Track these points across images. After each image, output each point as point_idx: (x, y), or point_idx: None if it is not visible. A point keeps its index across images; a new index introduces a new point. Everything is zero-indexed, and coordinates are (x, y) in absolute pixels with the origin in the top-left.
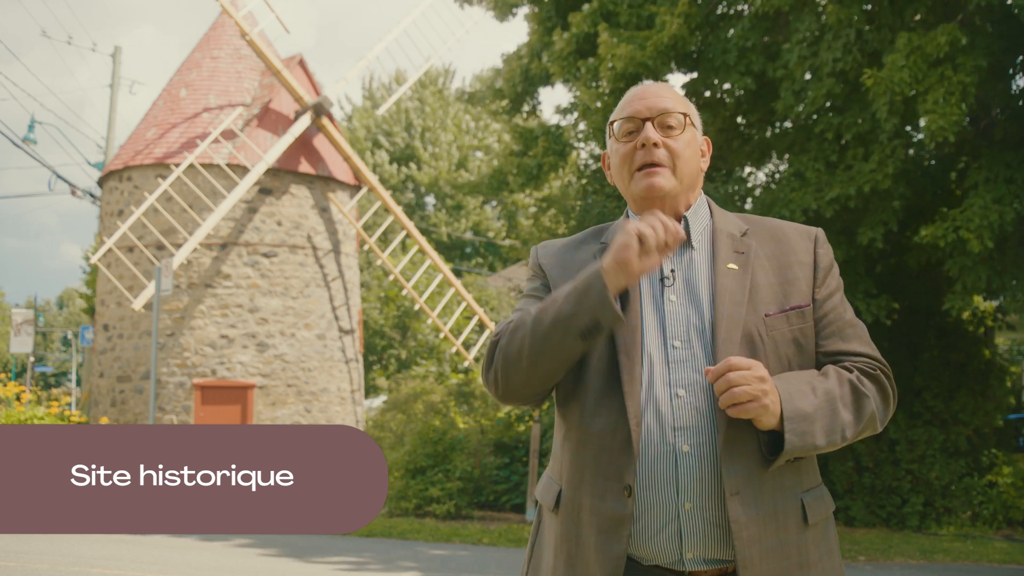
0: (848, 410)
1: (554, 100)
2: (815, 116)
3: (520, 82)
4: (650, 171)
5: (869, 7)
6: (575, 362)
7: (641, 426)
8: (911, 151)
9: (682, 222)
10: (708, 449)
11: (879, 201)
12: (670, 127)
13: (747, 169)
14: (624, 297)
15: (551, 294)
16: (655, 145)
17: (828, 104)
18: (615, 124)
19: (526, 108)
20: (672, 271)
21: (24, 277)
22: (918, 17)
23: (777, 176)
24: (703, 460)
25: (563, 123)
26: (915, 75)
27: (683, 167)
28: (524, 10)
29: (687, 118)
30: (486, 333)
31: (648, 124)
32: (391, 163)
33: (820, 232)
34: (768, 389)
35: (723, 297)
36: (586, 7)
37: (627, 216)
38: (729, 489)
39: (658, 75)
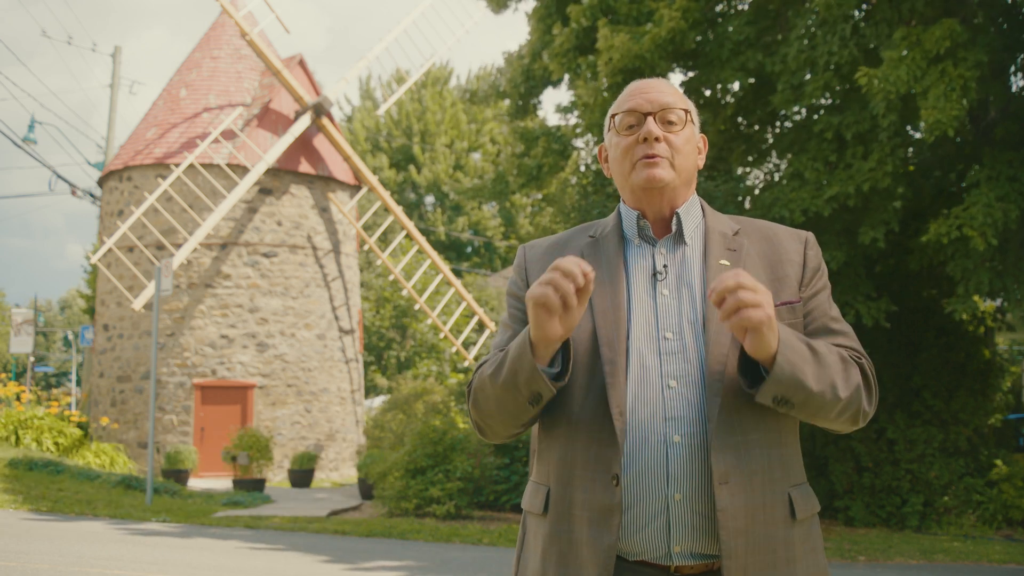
0: (838, 374)
1: (556, 101)
2: (815, 116)
3: (522, 83)
4: (650, 161)
5: (866, 6)
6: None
7: (629, 416)
8: (911, 150)
9: (674, 217)
10: (699, 440)
11: (879, 200)
12: (671, 122)
13: (747, 169)
14: (567, 347)
15: (508, 346)
16: (656, 139)
17: (827, 101)
18: (616, 117)
19: (524, 106)
20: (665, 266)
21: (29, 278)
22: (918, 23)
23: (776, 175)
24: (693, 450)
25: (563, 123)
26: (913, 73)
27: (682, 162)
28: (522, 5)
29: (688, 114)
30: (486, 333)
31: (650, 118)
32: (391, 167)
33: (810, 235)
34: (770, 307)
35: None
36: (585, 0)
37: (618, 212)
38: (717, 478)
39: (656, 70)
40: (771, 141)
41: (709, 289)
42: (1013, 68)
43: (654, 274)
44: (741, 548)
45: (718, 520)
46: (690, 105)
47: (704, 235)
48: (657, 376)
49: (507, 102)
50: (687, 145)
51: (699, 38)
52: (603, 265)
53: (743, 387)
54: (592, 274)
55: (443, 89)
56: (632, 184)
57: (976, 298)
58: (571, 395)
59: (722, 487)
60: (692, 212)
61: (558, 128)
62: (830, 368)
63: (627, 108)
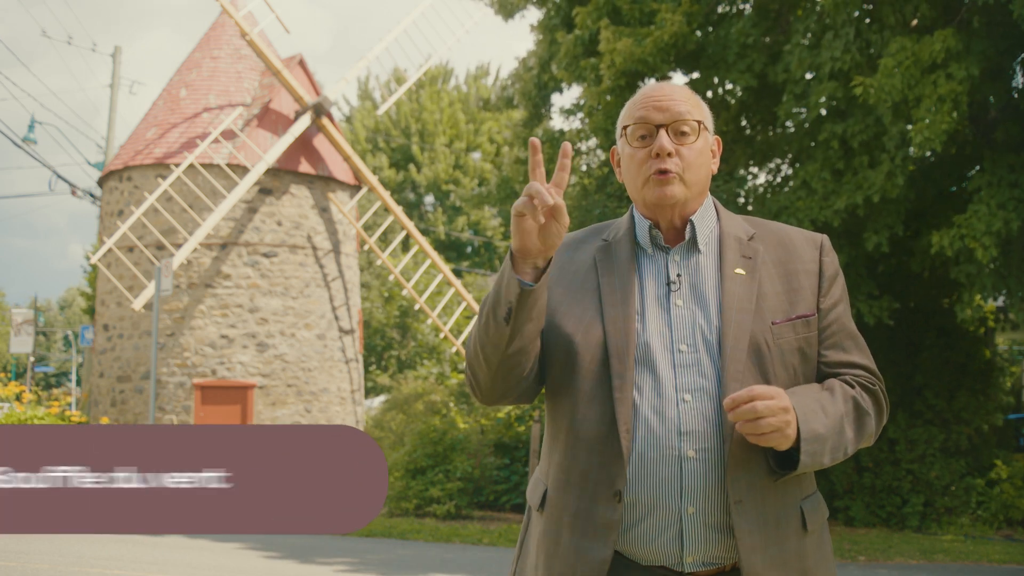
0: (851, 429)
1: (559, 103)
2: (815, 117)
3: (537, 95)
4: (662, 178)
5: (871, 7)
6: (524, 354)
7: (642, 429)
8: (912, 150)
9: (688, 226)
10: (714, 455)
11: (883, 205)
12: (684, 133)
13: (750, 170)
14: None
15: None
16: (668, 154)
17: (832, 104)
18: (628, 128)
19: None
20: (678, 275)
21: (29, 278)
22: (915, 22)
23: (780, 177)
24: (708, 466)
25: (567, 127)
26: (907, 82)
27: (694, 176)
28: (527, 13)
29: (701, 125)
30: None
31: (662, 131)
32: (391, 167)
33: (825, 239)
34: (791, 420)
35: (731, 303)
36: (591, 2)
37: (631, 216)
38: (733, 497)
39: (659, 73)
40: (773, 139)
41: (726, 400)
42: (1011, 70)
43: (668, 284)
44: (759, 564)
45: (736, 537)
46: (704, 113)
47: (719, 241)
48: (672, 389)
49: (519, 109)
50: (700, 156)
51: (698, 34)
52: (615, 273)
53: (772, 466)
54: (562, 204)
55: (441, 88)
56: (644, 198)
57: (978, 299)
58: (575, 400)
59: (737, 506)
60: (706, 217)
61: (562, 133)
62: (845, 436)
63: (638, 118)
